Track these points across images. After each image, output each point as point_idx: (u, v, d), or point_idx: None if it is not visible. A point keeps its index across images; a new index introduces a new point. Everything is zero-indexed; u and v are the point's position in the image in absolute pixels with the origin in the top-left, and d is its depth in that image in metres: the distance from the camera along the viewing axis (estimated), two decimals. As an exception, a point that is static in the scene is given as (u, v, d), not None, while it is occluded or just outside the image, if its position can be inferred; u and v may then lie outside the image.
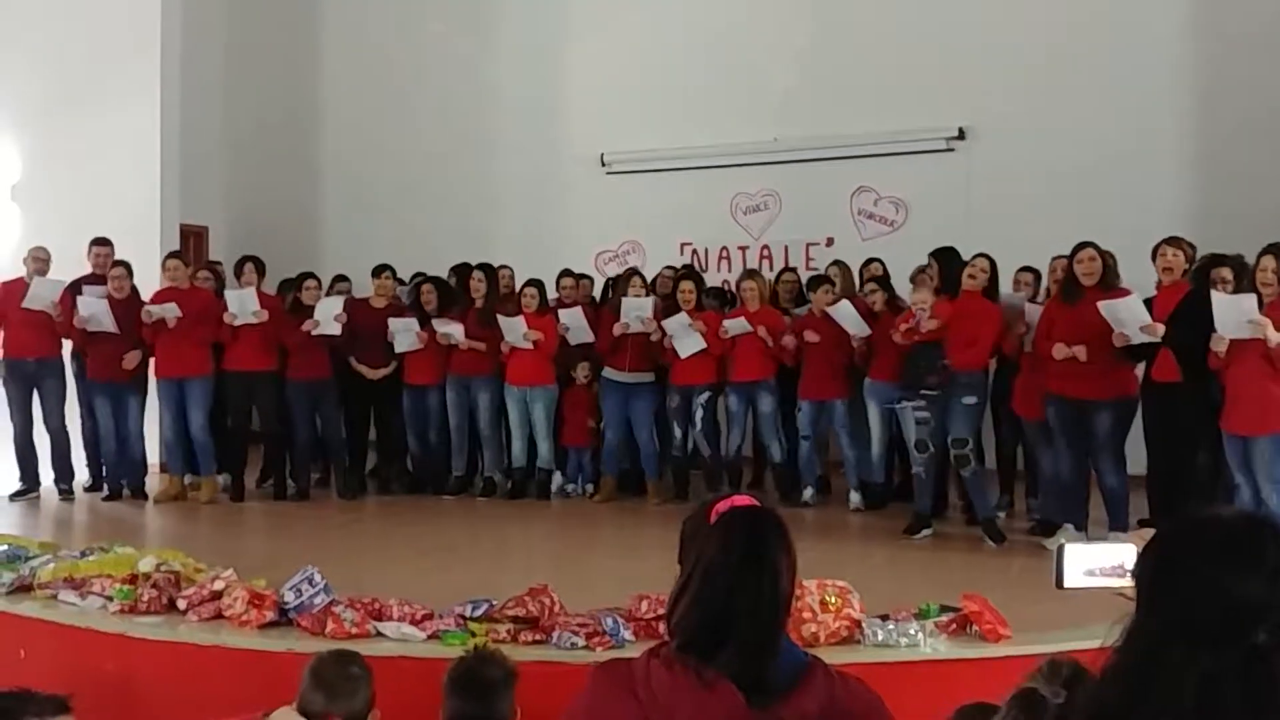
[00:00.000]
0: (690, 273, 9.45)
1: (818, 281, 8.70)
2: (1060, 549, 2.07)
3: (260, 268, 9.16)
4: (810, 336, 8.34)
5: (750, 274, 9.10)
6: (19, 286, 8.83)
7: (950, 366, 7.22)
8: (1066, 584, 2.06)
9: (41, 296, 8.72)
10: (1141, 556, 1.64)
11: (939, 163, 10.66)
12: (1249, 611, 1.49)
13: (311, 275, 9.36)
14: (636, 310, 8.65)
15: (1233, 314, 6.09)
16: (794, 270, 9.92)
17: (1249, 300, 6.08)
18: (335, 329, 8.84)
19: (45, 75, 10.46)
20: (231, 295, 8.88)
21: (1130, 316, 6.70)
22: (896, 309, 8.16)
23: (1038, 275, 8.35)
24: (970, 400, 7.26)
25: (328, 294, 9.33)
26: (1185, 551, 1.59)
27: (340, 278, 9.79)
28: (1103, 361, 6.82)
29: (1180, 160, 9.80)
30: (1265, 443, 6.08)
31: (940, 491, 7.82)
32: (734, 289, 9.75)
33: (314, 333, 8.82)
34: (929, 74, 10.58)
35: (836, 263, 9.34)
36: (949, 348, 7.25)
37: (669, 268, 9.95)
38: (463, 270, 9.44)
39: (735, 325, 8.49)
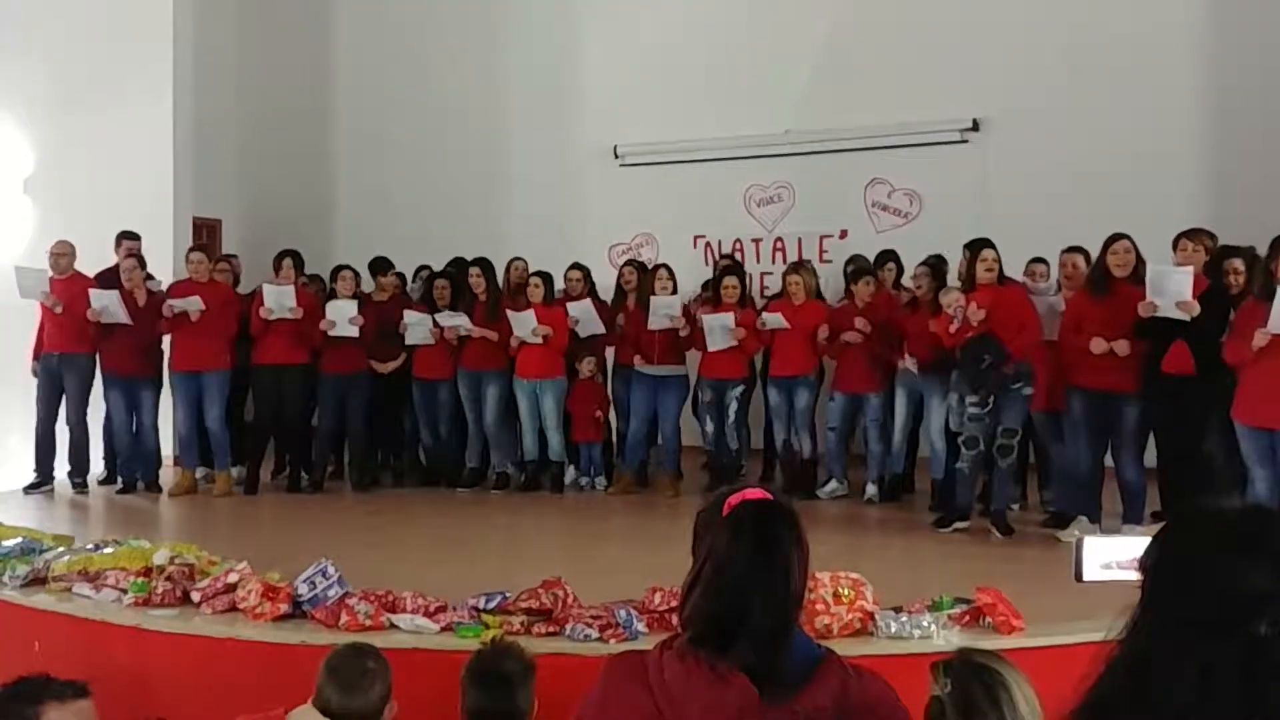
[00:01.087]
0: (733, 266, 9.39)
1: (859, 274, 8.64)
2: (1079, 542, 2.06)
3: (299, 262, 9.14)
4: (852, 337, 8.30)
5: (796, 267, 9.02)
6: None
7: (1014, 354, 7.07)
8: (1085, 577, 2.06)
9: (28, 287, 8.75)
10: (1148, 549, 1.64)
11: (953, 155, 10.62)
12: (1250, 602, 1.48)
13: (347, 267, 9.35)
14: (665, 309, 8.64)
15: None
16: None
17: None
18: (352, 331, 8.84)
19: (58, 68, 10.48)
20: (270, 290, 8.85)
21: (1175, 288, 6.58)
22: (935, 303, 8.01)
23: (1049, 266, 8.31)
24: (1028, 390, 7.16)
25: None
26: (1188, 542, 1.60)
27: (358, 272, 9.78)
28: (1134, 354, 6.79)
29: (1195, 153, 9.75)
30: None
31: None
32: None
33: (330, 334, 8.83)
34: (943, 66, 10.54)
35: (855, 258, 9.31)
36: (1004, 338, 7.10)
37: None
38: (459, 264, 9.39)
39: (773, 320, 8.47)
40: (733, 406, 8.68)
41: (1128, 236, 6.93)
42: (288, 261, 9.08)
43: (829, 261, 10.29)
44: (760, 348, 8.71)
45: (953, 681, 2.68)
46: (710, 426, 8.76)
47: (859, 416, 8.57)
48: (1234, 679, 1.45)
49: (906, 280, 8.81)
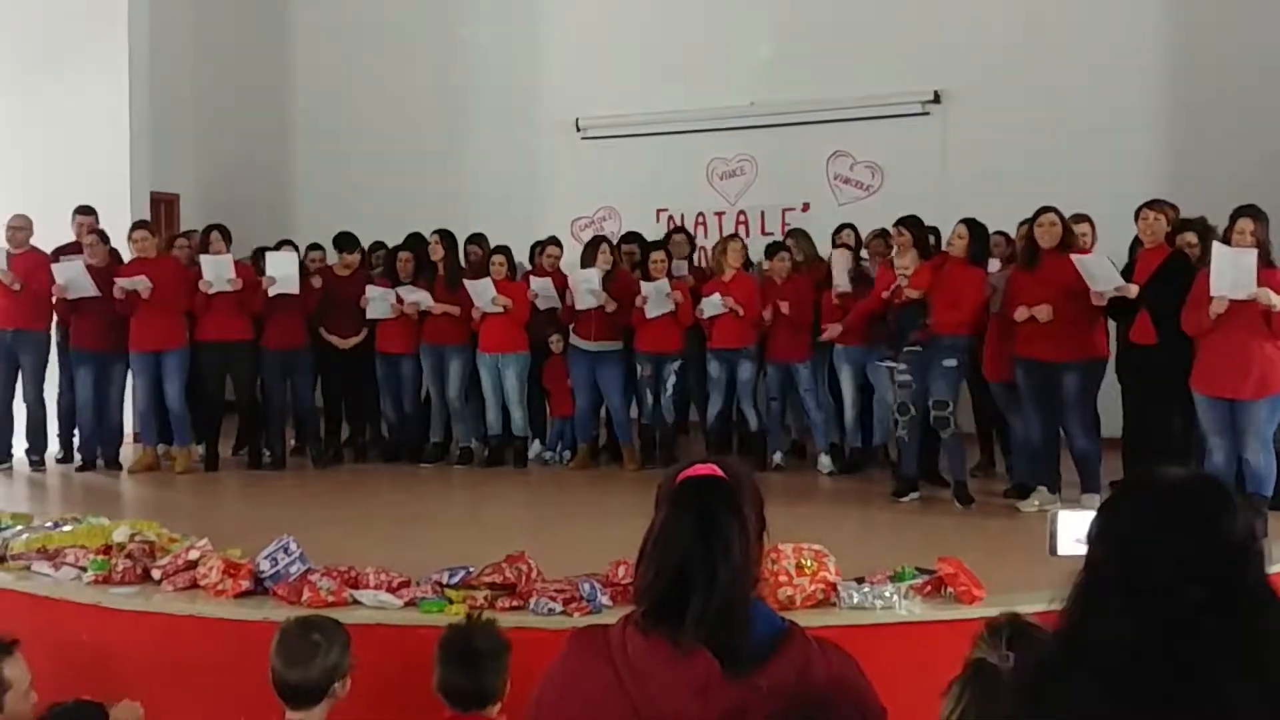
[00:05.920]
0: (660, 241, 9.42)
1: (774, 248, 8.70)
2: (1053, 516, 2.07)
3: (226, 235, 9.00)
4: (784, 308, 8.38)
5: (729, 239, 9.05)
6: None
7: (931, 326, 7.20)
8: (1060, 551, 2.06)
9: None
10: (1093, 518, 1.67)
11: (914, 127, 10.64)
12: (1181, 565, 1.52)
13: (288, 242, 9.24)
14: (584, 282, 8.62)
15: (1231, 269, 6.06)
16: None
17: (1249, 255, 6.06)
18: (292, 289, 8.73)
19: (12, 42, 10.30)
20: (207, 262, 8.73)
21: (1102, 274, 6.71)
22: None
23: (1010, 240, 8.36)
24: (950, 363, 7.23)
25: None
26: (1125, 508, 1.65)
27: (314, 246, 9.69)
28: (1068, 322, 6.84)
29: (1156, 123, 9.82)
30: (1260, 405, 6.09)
31: (925, 454, 7.81)
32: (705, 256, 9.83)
33: (271, 292, 8.72)
34: (904, 38, 10.55)
35: (794, 232, 9.33)
36: (932, 310, 7.23)
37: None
38: (419, 239, 9.32)
39: (710, 306, 8.46)
40: (670, 380, 8.71)
41: (1054, 209, 7.05)
42: (215, 234, 8.94)
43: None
44: (695, 319, 8.68)
45: (1015, 656, 2.59)
46: (649, 401, 8.78)
47: (791, 386, 8.61)
48: (1161, 641, 1.49)
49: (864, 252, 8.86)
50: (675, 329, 8.65)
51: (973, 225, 7.39)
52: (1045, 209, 7.06)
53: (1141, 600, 1.53)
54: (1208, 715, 1.47)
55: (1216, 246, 6.28)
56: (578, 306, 8.65)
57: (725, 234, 10.10)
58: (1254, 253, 6.05)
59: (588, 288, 8.58)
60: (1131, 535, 1.59)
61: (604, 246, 8.91)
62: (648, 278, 8.65)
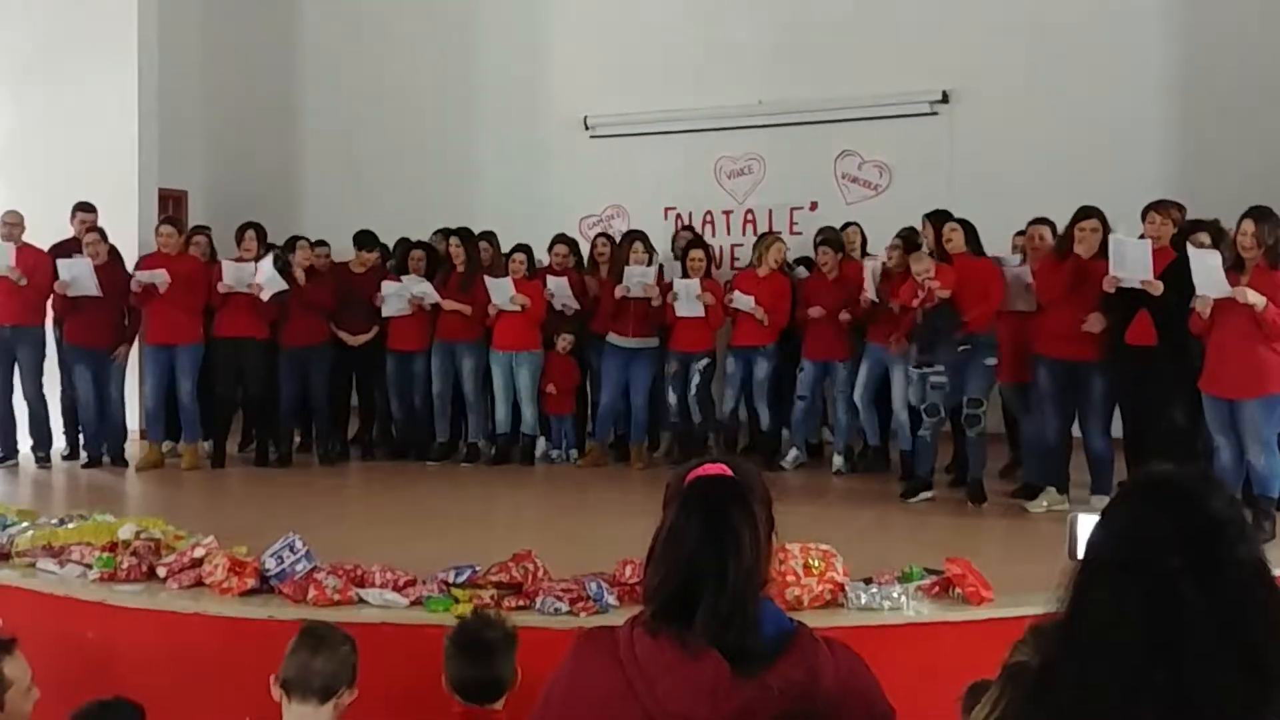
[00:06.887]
0: (696, 239, 9.41)
1: (826, 244, 8.65)
2: (1073, 519, 2.07)
3: (261, 235, 9.03)
4: (815, 312, 8.37)
5: (775, 237, 9.05)
6: None
7: (970, 323, 7.15)
8: (1080, 555, 2.07)
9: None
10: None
11: (922, 126, 10.62)
12: (1159, 539, 1.57)
13: (302, 238, 9.27)
14: (639, 277, 8.63)
15: (1202, 270, 6.10)
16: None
17: (1213, 257, 6.09)
18: (280, 286, 8.64)
19: (21, 40, 10.31)
20: (229, 267, 8.74)
21: (1135, 260, 6.64)
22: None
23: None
24: (990, 360, 7.22)
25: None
26: (1120, 501, 1.71)
27: (319, 242, 9.68)
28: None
29: (1165, 123, 9.79)
30: (1254, 405, 6.08)
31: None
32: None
33: (264, 298, 8.65)
34: (913, 37, 10.53)
35: (824, 230, 9.29)
36: (964, 307, 7.18)
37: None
38: (443, 236, 9.38)
39: (741, 302, 8.46)
40: (695, 379, 8.68)
41: (1098, 215, 6.95)
42: (250, 233, 8.97)
43: (799, 234, 10.27)
44: (726, 319, 8.72)
45: None
46: (674, 398, 8.76)
47: (828, 385, 8.58)
48: (1140, 607, 1.54)
49: (872, 249, 8.83)
50: (706, 328, 8.65)
51: (961, 221, 7.41)
52: (1089, 212, 6.95)
53: (1124, 575, 1.58)
54: (1186, 678, 1.50)
55: (1190, 249, 6.30)
56: (632, 295, 8.64)
57: (762, 232, 10.12)
58: (1216, 254, 6.10)
59: (641, 280, 8.59)
60: (1118, 523, 1.65)
61: (637, 245, 8.90)
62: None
